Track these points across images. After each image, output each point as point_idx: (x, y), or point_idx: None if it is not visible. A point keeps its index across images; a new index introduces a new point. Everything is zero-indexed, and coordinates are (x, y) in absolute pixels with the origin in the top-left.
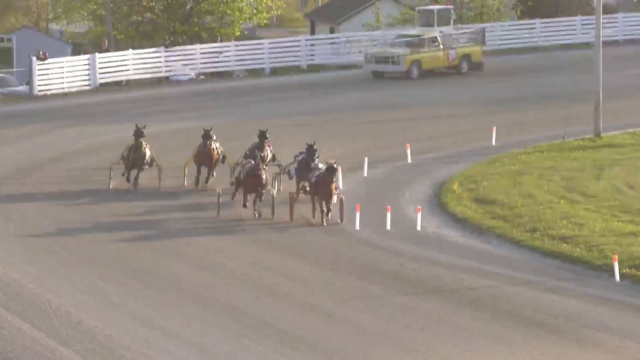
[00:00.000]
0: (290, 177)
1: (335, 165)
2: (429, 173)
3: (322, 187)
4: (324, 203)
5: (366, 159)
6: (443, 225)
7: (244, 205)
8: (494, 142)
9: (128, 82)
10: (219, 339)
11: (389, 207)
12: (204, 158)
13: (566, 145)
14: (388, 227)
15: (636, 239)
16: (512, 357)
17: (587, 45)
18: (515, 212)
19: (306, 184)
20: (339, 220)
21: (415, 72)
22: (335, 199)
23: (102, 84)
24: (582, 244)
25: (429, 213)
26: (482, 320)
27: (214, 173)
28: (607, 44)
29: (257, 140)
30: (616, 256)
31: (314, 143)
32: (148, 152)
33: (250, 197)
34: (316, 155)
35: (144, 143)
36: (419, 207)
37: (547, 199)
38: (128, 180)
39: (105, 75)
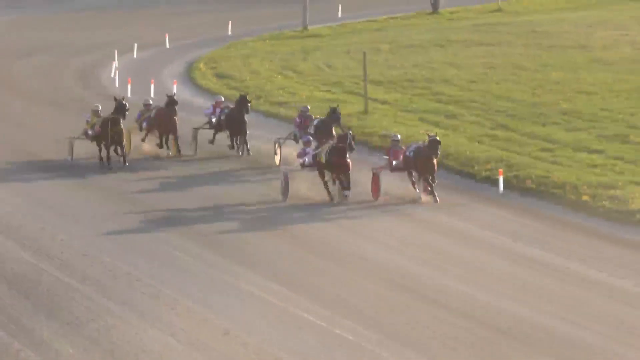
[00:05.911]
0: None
1: (437, 138)
2: (182, 56)
3: (423, 162)
4: (429, 179)
5: (135, 44)
6: (194, 94)
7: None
8: (229, 33)
9: None
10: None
11: (152, 79)
12: (170, 126)
13: (282, 35)
14: (152, 94)
15: (332, 103)
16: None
17: None
18: (245, 84)
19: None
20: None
21: None
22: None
23: None
24: (293, 108)
25: (182, 85)
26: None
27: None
28: None
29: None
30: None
31: (337, 106)
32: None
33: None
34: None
35: (121, 118)
36: (175, 80)
37: (268, 75)
38: (108, 160)
39: None
